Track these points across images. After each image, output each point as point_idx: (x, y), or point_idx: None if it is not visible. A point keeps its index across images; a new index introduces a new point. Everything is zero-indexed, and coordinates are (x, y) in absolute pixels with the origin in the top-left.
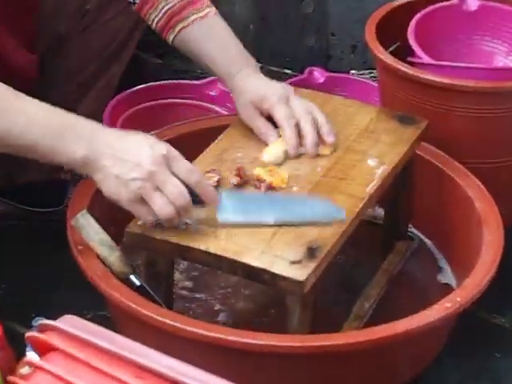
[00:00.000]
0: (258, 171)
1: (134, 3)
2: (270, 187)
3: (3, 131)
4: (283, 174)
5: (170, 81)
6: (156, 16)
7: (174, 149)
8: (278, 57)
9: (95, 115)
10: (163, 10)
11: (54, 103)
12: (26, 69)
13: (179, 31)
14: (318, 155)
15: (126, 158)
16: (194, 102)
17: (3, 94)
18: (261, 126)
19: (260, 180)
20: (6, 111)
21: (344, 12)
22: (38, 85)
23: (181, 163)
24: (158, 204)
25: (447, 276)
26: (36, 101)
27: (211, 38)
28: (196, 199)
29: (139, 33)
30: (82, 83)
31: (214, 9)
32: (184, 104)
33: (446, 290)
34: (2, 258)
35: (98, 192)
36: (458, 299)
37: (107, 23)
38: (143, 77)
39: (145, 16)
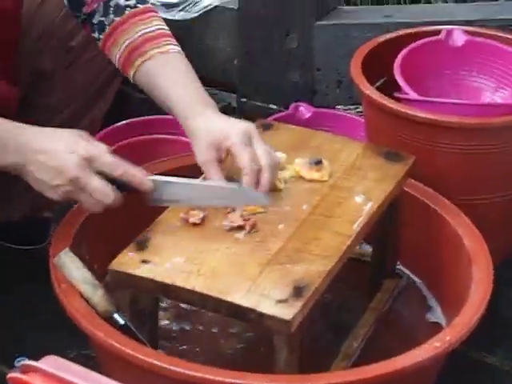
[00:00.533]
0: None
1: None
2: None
3: None
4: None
5: (154, 116)
6: (118, 51)
7: (97, 147)
8: (262, 92)
9: None
10: (124, 45)
11: None
12: (5, 101)
13: (139, 65)
14: (303, 190)
15: (49, 165)
16: (179, 137)
17: None
18: (214, 175)
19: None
20: None
21: (329, 47)
22: (20, 121)
23: (102, 161)
24: (87, 203)
25: (436, 314)
26: None
27: (169, 73)
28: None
29: None
30: (66, 120)
31: (177, 47)
32: (169, 140)
33: (435, 328)
34: None
35: (82, 229)
36: (448, 338)
37: (92, 60)
38: (126, 111)
39: (108, 53)
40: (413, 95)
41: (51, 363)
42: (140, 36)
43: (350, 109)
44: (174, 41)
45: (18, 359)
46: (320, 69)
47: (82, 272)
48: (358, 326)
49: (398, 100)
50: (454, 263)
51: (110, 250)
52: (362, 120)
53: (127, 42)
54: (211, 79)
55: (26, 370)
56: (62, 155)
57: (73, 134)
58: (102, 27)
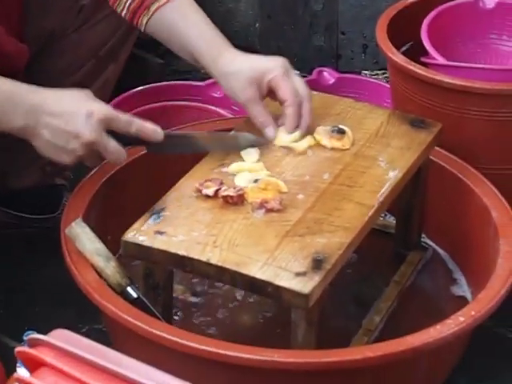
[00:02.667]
0: (251, 188)
1: None
2: (267, 209)
3: None
4: (277, 183)
5: (172, 82)
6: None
7: (109, 109)
8: (285, 56)
9: None
10: None
11: None
12: (13, 58)
13: (154, 11)
14: (324, 159)
15: (64, 129)
16: (197, 103)
17: None
18: (260, 113)
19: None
20: None
21: (354, 10)
22: (30, 83)
23: (117, 121)
24: (97, 162)
25: (462, 288)
26: None
27: (190, 17)
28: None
29: (137, 31)
30: (77, 83)
31: None
32: (186, 106)
33: (461, 302)
34: None
35: (94, 199)
36: (473, 313)
37: (103, 20)
38: (144, 77)
39: (114, 3)
40: (440, 60)
41: (61, 337)
42: None
43: (376, 74)
44: None
45: (27, 333)
46: (345, 32)
47: (94, 243)
48: (380, 300)
49: (425, 65)
50: (480, 235)
51: (123, 220)
52: (388, 86)
53: None
54: (231, 43)
55: (34, 343)
56: (77, 119)
57: (85, 94)
58: None
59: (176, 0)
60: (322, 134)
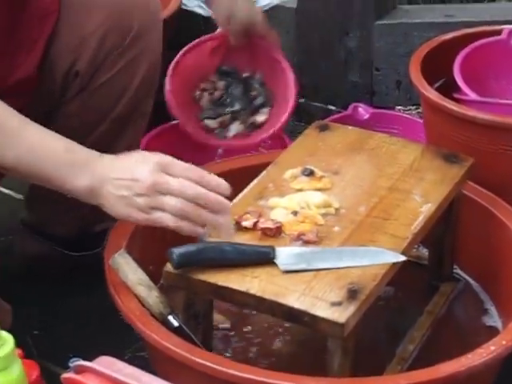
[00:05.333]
0: (288, 221)
1: None
2: (304, 241)
3: (16, 164)
4: (315, 215)
5: None
6: None
7: (165, 155)
8: (321, 92)
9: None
10: None
11: None
12: (23, 83)
13: None
14: (361, 192)
15: (125, 179)
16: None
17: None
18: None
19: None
20: (12, 138)
21: (389, 47)
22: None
23: (176, 166)
24: (170, 205)
25: (493, 318)
26: (40, 129)
27: None
28: None
29: (156, 82)
30: (96, 143)
31: None
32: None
33: (492, 332)
34: (39, 299)
35: (136, 231)
36: (504, 342)
37: (105, 85)
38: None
39: None
40: (472, 96)
41: (105, 364)
42: None
43: (410, 109)
44: None
45: (73, 360)
46: (379, 69)
47: (136, 273)
48: (414, 329)
49: (458, 101)
50: (511, 268)
51: (164, 251)
52: (422, 121)
53: None
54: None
55: (80, 370)
56: (136, 166)
57: (139, 152)
58: None
59: None
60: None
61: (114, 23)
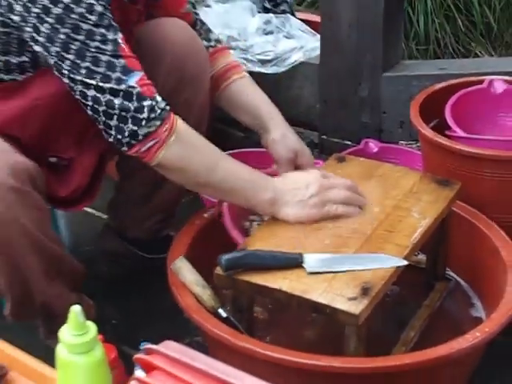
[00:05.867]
0: None
1: None
2: None
3: (220, 183)
4: None
5: (254, 149)
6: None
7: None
8: (339, 131)
9: None
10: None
11: None
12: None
13: (223, 88)
14: (369, 211)
15: (298, 187)
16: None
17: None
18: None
19: None
20: (222, 165)
21: (393, 94)
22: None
23: (335, 177)
24: (335, 195)
25: (478, 311)
26: (231, 159)
27: (251, 92)
28: None
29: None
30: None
31: (247, 73)
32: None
33: (477, 322)
34: (115, 295)
35: (192, 242)
36: (487, 329)
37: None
38: (227, 148)
39: None
40: (460, 133)
41: (169, 347)
42: (224, 66)
43: (410, 144)
44: (243, 68)
45: (143, 343)
46: (386, 112)
47: (193, 275)
48: (414, 319)
49: (449, 137)
50: (492, 270)
51: (215, 257)
52: (420, 153)
53: (213, 72)
54: (297, 120)
55: (148, 352)
56: (303, 177)
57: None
58: None
59: (241, 80)
60: None
61: (173, 70)
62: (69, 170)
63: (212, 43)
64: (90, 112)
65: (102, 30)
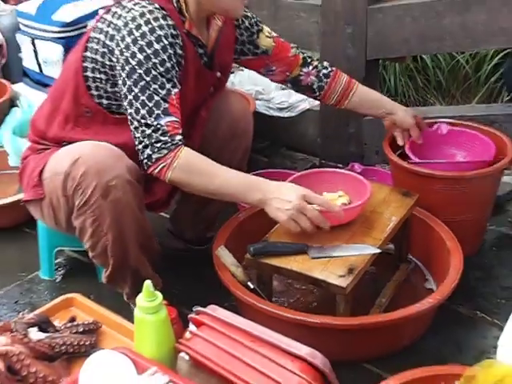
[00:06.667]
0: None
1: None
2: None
3: (218, 189)
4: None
5: (274, 169)
6: (335, 95)
7: (309, 190)
8: (333, 157)
9: None
10: (339, 90)
11: None
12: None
13: (352, 95)
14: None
15: (282, 198)
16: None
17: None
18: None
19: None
20: (218, 176)
21: (372, 131)
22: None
23: (315, 198)
24: (303, 223)
25: (431, 284)
26: (229, 170)
27: (370, 92)
28: None
29: None
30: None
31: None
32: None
33: (430, 292)
34: (178, 273)
35: (230, 236)
36: (437, 297)
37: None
38: (256, 169)
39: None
40: (416, 160)
41: (213, 309)
42: (345, 81)
43: (384, 166)
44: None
45: (194, 307)
46: (366, 143)
47: (230, 258)
48: (385, 289)
49: (409, 162)
50: (440, 255)
51: (245, 247)
52: (390, 173)
53: (339, 88)
54: (304, 150)
55: (198, 312)
56: (290, 192)
57: (292, 184)
58: (321, 87)
59: (360, 86)
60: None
61: (230, 128)
62: (155, 183)
63: (330, 69)
64: (131, 130)
65: (164, 80)
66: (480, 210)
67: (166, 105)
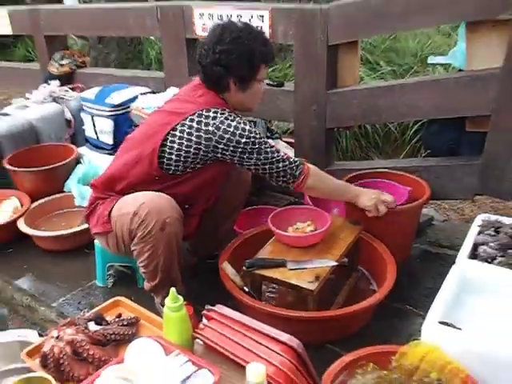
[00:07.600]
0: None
1: None
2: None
3: (332, 190)
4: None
5: (262, 206)
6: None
7: (378, 191)
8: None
9: None
10: None
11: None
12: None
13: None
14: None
15: (369, 194)
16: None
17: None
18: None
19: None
20: (331, 180)
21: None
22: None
23: (385, 194)
24: (382, 208)
25: (373, 286)
26: (332, 177)
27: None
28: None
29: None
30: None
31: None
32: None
33: (374, 292)
34: (195, 280)
35: (232, 252)
36: (377, 296)
37: (222, 203)
38: (247, 206)
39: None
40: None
41: (220, 308)
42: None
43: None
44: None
45: (206, 306)
46: None
47: (231, 270)
48: (342, 291)
49: None
50: (379, 265)
51: (242, 262)
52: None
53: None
54: (283, 191)
55: (209, 310)
56: (370, 192)
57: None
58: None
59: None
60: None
61: (237, 178)
62: (190, 218)
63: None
64: (267, 175)
65: (267, 144)
66: (407, 233)
67: (273, 149)
